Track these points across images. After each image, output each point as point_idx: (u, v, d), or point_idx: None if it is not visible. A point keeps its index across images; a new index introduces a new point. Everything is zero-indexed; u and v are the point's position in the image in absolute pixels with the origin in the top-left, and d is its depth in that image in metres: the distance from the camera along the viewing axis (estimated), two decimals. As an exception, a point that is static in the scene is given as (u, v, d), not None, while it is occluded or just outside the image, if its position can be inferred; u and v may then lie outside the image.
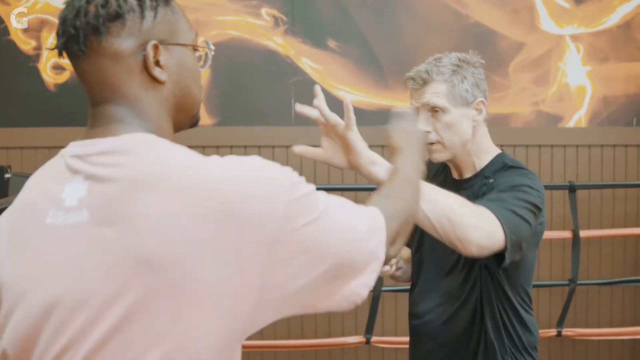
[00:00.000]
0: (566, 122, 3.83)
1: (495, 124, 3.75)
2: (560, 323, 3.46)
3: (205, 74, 3.68)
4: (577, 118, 3.83)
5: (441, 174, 1.72)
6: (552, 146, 3.80)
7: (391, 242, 0.95)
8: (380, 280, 3.34)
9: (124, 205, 0.79)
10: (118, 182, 0.80)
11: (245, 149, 3.63)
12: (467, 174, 1.64)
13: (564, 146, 3.80)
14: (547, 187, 3.66)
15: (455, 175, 1.68)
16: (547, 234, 3.60)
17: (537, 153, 3.77)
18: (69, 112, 3.67)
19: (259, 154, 3.63)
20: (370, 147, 3.91)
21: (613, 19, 3.82)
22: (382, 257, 0.89)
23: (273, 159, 3.69)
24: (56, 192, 0.85)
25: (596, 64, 3.83)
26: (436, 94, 1.54)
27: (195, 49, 0.97)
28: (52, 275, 0.81)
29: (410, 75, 1.59)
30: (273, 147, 3.67)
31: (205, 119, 3.66)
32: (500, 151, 1.65)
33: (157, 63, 0.90)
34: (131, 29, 0.87)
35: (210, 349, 0.79)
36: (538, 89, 3.81)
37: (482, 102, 1.59)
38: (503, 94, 3.77)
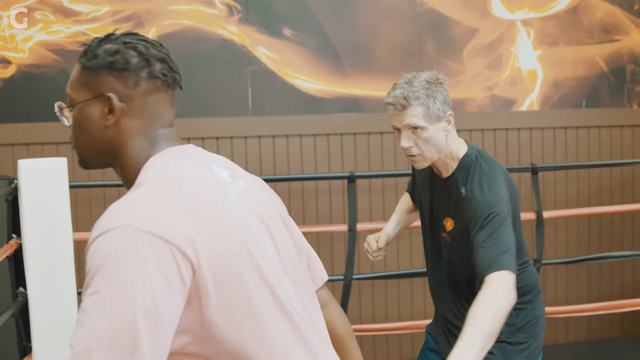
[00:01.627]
0: (519, 106, 3.91)
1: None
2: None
3: (158, 65, 3.60)
4: (530, 101, 3.91)
5: (429, 175, 2.03)
6: (506, 129, 3.87)
7: None
8: (350, 269, 3.35)
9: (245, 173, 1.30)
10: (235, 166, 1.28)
11: (203, 141, 3.58)
12: (445, 175, 1.94)
13: (518, 129, 3.88)
14: (510, 170, 3.73)
15: (439, 175, 1.98)
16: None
17: (492, 137, 3.84)
18: (16, 108, 3.54)
19: (217, 145, 3.58)
20: (329, 135, 3.91)
21: (561, 4, 3.90)
22: None
23: (231, 150, 3.66)
24: (217, 177, 1.16)
25: (546, 48, 3.92)
26: (415, 116, 1.83)
27: None
28: (258, 213, 1.18)
29: (390, 101, 1.86)
30: (231, 137, 3.63)
31: (160, 111, 3.58)
32: (465, 151, 1.93)
33: None
34: None
35: None
36: (491, 74, 3.87)
37: (451, 114, 1.89)
38: (458, 79, 3.82)
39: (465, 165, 1.89)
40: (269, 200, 1.27)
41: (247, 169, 3.62)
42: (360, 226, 3.40)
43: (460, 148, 1.92)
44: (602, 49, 3.95)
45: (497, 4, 3.84)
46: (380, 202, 3.74)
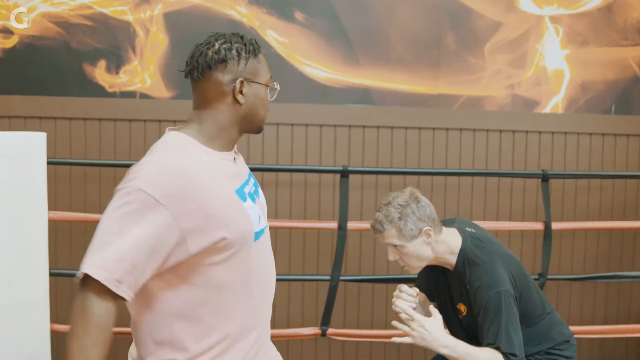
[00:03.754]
0: (542, 108, 3.66)
1: (469, 106, 3.58)
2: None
3: (163, 43, 3.46)
4: (554, 103, 3.67)
5: (435, 267, 2.19)
6: (527, 132, 3.63)
7: None
8: (338, 269, 3.16)
9: None
10: None
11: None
12: (450, 268, 2.15)
13: (539, 132, 3.64)
14: (519, 175, 3.50)
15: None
16: (518, 225, 3.44)
17: (511, 138, 3.61)
18: (15, 79, 3.43)
19: (218, 130, 3.42)
20: (338, 126, 3.72)
21: (594, 1, 3.64)
22: None
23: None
24: None
25: (575, 48, 3.66)
26: (391, 237, 2.08)
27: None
28: None
29: (371, 225, 2.12)
30: (233, 123, 3.46)
31: (162, 91, 3.44)
32: (460, 245, 2.11)
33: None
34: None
35: None
36: (514, 72, 3.63)
37: (429, 228, 2.07)
38: (478, 75, 3.59)
39: (464, 259, 2.09)
40: None
41: (248, 159, 3.46)
42: (351, 225, 3.19)
43: (453, 243, 2.11)
44: (637, 51, 3.68)
45: (525, -2, 3.59)
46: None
